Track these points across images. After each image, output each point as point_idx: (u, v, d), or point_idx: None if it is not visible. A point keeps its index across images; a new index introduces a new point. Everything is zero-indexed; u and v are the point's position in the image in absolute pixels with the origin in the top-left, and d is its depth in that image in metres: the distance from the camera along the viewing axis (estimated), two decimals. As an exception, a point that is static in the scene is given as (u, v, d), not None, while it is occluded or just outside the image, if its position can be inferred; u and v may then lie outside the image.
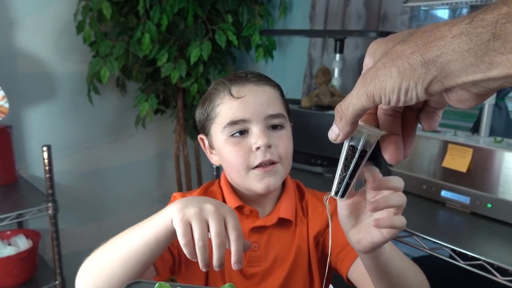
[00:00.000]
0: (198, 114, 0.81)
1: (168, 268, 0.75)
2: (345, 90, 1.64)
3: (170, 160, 2.22)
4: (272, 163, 0.74)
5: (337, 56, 1.47)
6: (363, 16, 1.61)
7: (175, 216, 0.56)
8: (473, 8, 1.30)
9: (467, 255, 0.86)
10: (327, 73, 1.50)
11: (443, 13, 1.78)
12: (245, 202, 0.80)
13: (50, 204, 1.37)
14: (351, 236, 0.56)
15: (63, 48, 1.85)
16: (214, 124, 0.76)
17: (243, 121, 0.73)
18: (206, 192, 0.83)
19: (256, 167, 0.74)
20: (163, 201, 2.38)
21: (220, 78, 0.80)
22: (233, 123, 0.73)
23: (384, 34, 1.47)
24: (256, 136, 0.73)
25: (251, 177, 0.74)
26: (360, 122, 0.43)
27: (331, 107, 1.44)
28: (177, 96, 2.03)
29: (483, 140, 1.07)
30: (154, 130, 2.25)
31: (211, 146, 0.80)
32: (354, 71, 1.68)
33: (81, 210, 2.03)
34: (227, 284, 0.56)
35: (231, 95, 0.74)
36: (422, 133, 1.16)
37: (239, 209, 0.79)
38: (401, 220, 0.52)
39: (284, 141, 0.76)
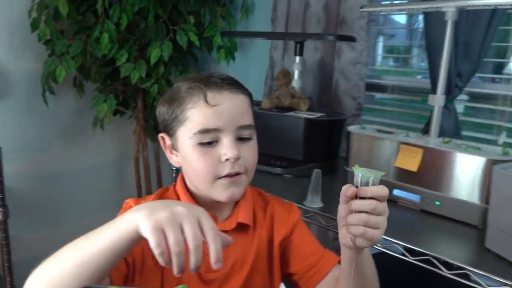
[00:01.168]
0: (163, 112, 0.76)
1: (122, 277, 0.70)
2: (305, 91, 1.67)
3: (130, 162, 2.17)
4: (238, 173, 0.74)
5: (297, 58, 1.50)
6: (322, 20, 1.65)
7: (144, 223, 0.52)
8: (426, 14, 1.35)
9: (417, 251, 0.90)
10: (287, 75, 1.52)
11: (401, 18, 1.85)
12: (204, 207, 0.78)
13: (-1, 209, 1.31)
14: (340, 232, 0.67)
15: (16, 46, 1.77)
16: (183, 127, 0.72)
17: (215, 130, 0.71)
18: (162, 198, 0.79)
19: (222, 177, 0.73)
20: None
21: (191, 78, 0.75)
22: (205, 131, 0.71)
23: (342, 37, 1.51)
24: (227, 147, 0.71)
25: (216, 186, 0.73)
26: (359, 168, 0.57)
27: (291, 109, 1.46)
28: (137, 97, 2.00)
29: (432, 140, 1.12)
30: (113, 131, 2.20)
31: (174, 148, 0.76)
32: (314, 73, 1.71)
33: (34, 216, 1.95)
34: (180, 285, 0.55)
35: (206, 101, 0.71)
36: (376, 134, 1.20)
37: None
38: (372, 233, 0.61)
39: (251, 153, 0.76)
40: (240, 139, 0.74)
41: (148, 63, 1.76)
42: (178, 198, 0.79)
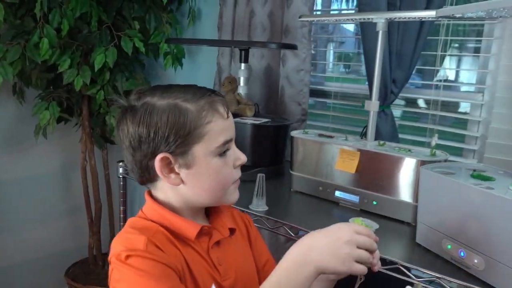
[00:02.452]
0: (166, 135, 0.70)
1: None
2: (251, 98, 1.70)
3: (77, 171, 2.10)
4: None
5: (243, 65, 1.53)
6: (267, 28, 1.69)
7: (342, 269, 0.62)
8: (362, 24, 1.43)
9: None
10: (233, 82, 1.55)
11: (350, 27, 1.93)
12: (189, 217, 0.78)
13: None
14: None
15: None
16: (202, 143, 0.71)
17: (231, 140, 0.75)
18: (143, 231, 0.72)
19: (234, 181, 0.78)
20: (70, 215, 2.26)
21: (188, 96, 0.72)
22: (226, 142, 0.74)
23: (284, 45, 1.55)
24: (238, 153, 0.76)
25: (229, 192, 0.77)
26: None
27: (237, 115, 1.49)
28: (82, 104, 1.94)
29: (369, 144, 1.18)
30: (57, 140, 2.12)
31: (183, 166, 0.72)
32: (260, 79, 1.75)
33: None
34: None
35: (222, 115, 0.73)
36: (317, 138, 1.25)
37: (200, 231, 0.75)
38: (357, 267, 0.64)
39: None
40: None
41: (92, 69, 1.72)
42: (160, 226, 0.74)
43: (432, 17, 1.00)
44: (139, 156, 0.72)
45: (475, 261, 0.82)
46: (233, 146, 0.76)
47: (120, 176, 1.55)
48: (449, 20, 1.37)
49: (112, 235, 2.19)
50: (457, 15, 0.89)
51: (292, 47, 1.45)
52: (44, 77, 1.86)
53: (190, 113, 0.70)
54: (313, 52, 1.83)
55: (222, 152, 0.73)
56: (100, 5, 1.71)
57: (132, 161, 0.74)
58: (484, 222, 0.80)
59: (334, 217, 1.17)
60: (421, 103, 1.58)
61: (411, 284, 0.62)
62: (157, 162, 0.71)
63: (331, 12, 1.85)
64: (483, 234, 0.80)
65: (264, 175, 1.15)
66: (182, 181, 0.73)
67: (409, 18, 1.07)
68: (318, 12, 1.82)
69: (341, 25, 1.90)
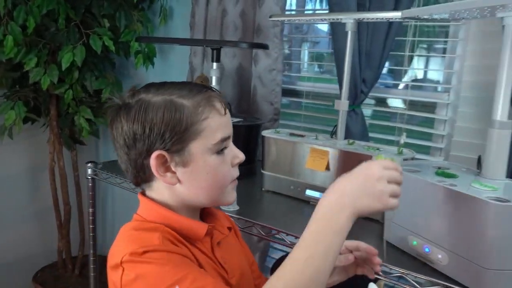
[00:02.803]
0: (161, 131, 0.68)
1: None
2: (225, 97, 1.69)
3: (45, 173, 2.04)
4: None
5: (214, 64, 1.51)
6: (239, 27, 1.69)
7: (378, 207, 0.63)
8: (332, 25, 1.44)
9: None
10: (205, 81, 1.54)
11: (323, 26, 1.94)
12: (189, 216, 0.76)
13: None
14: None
15: None
16: (199, 139, 0.69)
17: (229, 137, 0.73)
18: (151, 230, 0.70)
19: (232, 180, 0.76)
20: (38, 217, 2.20)
21: (183, 91, 0.69)
22: (224, 139, 0.71)
23: (255, 45, 1.55)
24: (236, 151, 0.74)
25: (227, 191, 0.75)
26: None
27: (209, 114, 1.47)
28: (50, 104, 1.89)
29: (338, 143, 1.19)
30: (24, 140, 2.06)
31: (179, 164, 0.70)
32: (233, 79, 1.75)
33: None
34: None
35: (219, 111, 0.71)
36: (288, 137, 1.25)
37: (209, 230, 0.75)
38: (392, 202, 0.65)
39: None
40: None
41: (60, 68, 1.68)
42: (170, 228, 0.71)
43: (397, 18, 1.02)
44: (134, 155, 0.70)
45: (439, 256, 0.84)
46: (230, 144, 0.74)
47: (89, 177, 1.52)
48: (416, 22, 1.41)
49: (82, 238, 2.14)
50: (422, 17, 0.91)
51: (263, 46, 1.45)
52: (10, 76, 1.80)
53: (186, 109, 0.68)
54: (287, 52, 1.84)
55: (219, 150, 0.71)
56: (68, 2, 1.67)
57: (127, 160, 0.71)
58: (447, 218, 0.82)
59: (306, 215, 1.17)
60: (395, 102, 1.61)
61: (375, 281, 0.62)
62: (153, 160, 0.68)
63: (305, 12, 1.86)
64: (446, 230, 0.82)
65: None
66: (179, 180, 0.71)
67: (376, 18, 1.09)
68: (293, 12, 1.83)
69: (315, 25, 1.92)
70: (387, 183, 0.63)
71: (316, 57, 1.92)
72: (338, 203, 0.62)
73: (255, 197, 1.30)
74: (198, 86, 0.72)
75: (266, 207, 1.26)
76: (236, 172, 0.76)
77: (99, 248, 1.72)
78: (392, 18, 1.06)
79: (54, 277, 2.09)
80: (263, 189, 1.32)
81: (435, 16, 0.94)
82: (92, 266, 1.66)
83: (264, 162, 1.30)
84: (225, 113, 0.72)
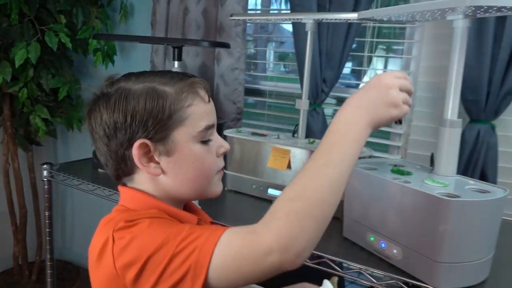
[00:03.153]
0: (144, 118, 0.65)
1: None
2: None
3: (-1, 175, 1.95)
4: None
5: (176, 63, 1.49)
6: (202, 26, 1.67)
7: (396, 114, 0.65)
8: (294, 25, 1.46)
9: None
10: (166, 80, 1.51)
11: (288, 26, 1.95)
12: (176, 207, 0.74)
13: None
14: None
15: None
16: (183, 127, 0.67)
17: (213, 125, 0.71)
18: (161, 214, 0.68)
19: (218, 171, 0.73)
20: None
21: (165, 78, 0.67)
22: (209, 127, 0.69)
23: (217, 44, 1.55)
24: (221, 141, 0.72)
25: (213, 182, 0.72)
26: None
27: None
28: (3, 103, 1.81)
29: (299, 142, 1.21)
30: (-25, 141, 1.95)
31: (164, 153, 0.67)
32: (196, 78, 1.72)
33: None
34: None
35: (203, 98, 0.68)
36: (249, 137, 1.25)
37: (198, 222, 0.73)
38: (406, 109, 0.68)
39: None
40: None
41: (14, 65, 1.60)
42: (169, 211, 0.69)
43: (354, 19, 1.05)
44: (114, 146, 0.66)
45: (394, 251, 0.86)
46: (215, 134, 0.72)
47: (45, 179, 1.46)
48: (375, 23, 1.44)
49: (40, 243, 2.06)
50: (377, 18, 0.94)
51: (225, 45, 1.45)
52: (-42, 73, 1.70)
53: (169, 95, 0.65)
54: (253, 51, 1.84)
55: (204, 139, 0.69)
56: (21, -3, 1.60)
57: (107, 152, 0.68)
58: (402, 214, 0.84)
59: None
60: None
61: (328, 277, 0.63)
62: (135, 150, 0.65)
63: (271, 12, 1.87)
64: (401, 225, 0.85)
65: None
66: (163, 171, 0.67)
67: (335, 19, 1.11)
68: (258, 11, 1.83)
69: (281, 25, 1.92)
70: (399, 91, 0.66)
71: (282, 57, 1.94)
72: (354, 115, 0.63)
73: (217, 197, 1.29)
74: (179, 73, 0.70)
75: (228, 207, 1.26)
76: (222, 163, 0.74)
77: (58, 253, 1.66)
78: (349, 19, 1.08)
79: (10, 284, 2.00)
80: (225, 188, 1.32)
81: (389, 18, 0.96)
82: (49, 271, 1.60)
83: (226, 161, 1.30)
84: (209, 101, 0.70)
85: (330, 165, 0.58)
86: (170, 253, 0.55)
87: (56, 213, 2.36)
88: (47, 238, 1.57)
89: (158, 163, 0.67)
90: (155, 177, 0.68)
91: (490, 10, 0.78)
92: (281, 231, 0.54)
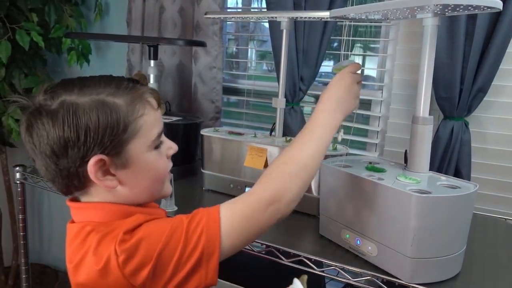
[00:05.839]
0: (98, 129, 0.63)
1: None
2: (164, 95, 1.66)
3: (-29, 178, 1.90)
4: None
5: (152, 62, 1.48)
6: (178, 24, 1.65)
7: (357, 104, 0.84)
8: (270, 23, 1.46)
9: (260, 243, 0.96)
10: (142, 78, 1.49)
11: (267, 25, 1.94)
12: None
13: None
14: None
15: None
16: (137, 138, 0.66)
17: (163, 130, 0.71)
18: (127, 217, 0.67)
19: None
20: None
21: (112, 89, 0.65)
22: (160, 134, 0.70)
23: (192, 43, 1.53)
24: (170, 143, 0.74)
25: (166, 183, 0.75)
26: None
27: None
28: (-26, 104, 1.76)
29: (276, 140, 1.20)
30: None
31: (120, 167, 0.66)
32: (173, 77, 1.71)
33: None
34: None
35: (153, 105, 0.69)
36: (226, 136, 1.24)
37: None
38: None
39: None
40: None
41: (-16, 65, 1.56)
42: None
43: (327, 17, 1.05)
44: (65, 164, 0.63)
45: (369, 248, 0.87)
46: (163, 136, 0.72)
47: (18, 182, 1.43)
48: (351, 21, 1.45)
49: (16, 246, 2.01)
50: (349, 16, 0.94)
51: (201, 44, 1.43)
52: None
53: (121, 107, 0.64)
54: (235, 50, 1.83)
55: (157, 145, 0.70)
56: (-10, -6, 1.56)
57: (55, 169, 0.64)
58: (375, 211, 0.85)
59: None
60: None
61: (298, 276, 0.63)
62: (91, 166, 0.63)
63: (252, 10, 1.86)
64: (375, 222, 0.85)
65: (172, 174, 1.12)
66: (120, 182, 0.67)
67: (308, 17, 1.11)
68: (239, 10, 1.82)
69: (262, 24, 1.92)
70: (357, 84, 0.83)
71: (263, 56, 1.93)
72: (332, 109, 0.79)
73: (195, 197, 1.29)
74: (123, 80, 0.68)
75: (206, 206, 1.25)
76: (170, 163, 0.75)
77: (36, 257, 1.62)
78: (322, 18, 1.08)
79: (-16, 290, 1.95)
80: (203, 188, 1.31)
81: (361, 16, 0.97)
82: (24, 275, 1.56)
83: (203, 161, 1.29)
84: (157, 108, 0.70)
85: (313, 140, 0.75)
86: (180, 242, 0.60)
87: (33, 216, 2.31)
88: (22, 242, 1.53)
89: (114, 175, 0.66)
90: (111, 188, 0.67)
91: (458, 9, 0.79)
92: (278, 186, 0.69)
